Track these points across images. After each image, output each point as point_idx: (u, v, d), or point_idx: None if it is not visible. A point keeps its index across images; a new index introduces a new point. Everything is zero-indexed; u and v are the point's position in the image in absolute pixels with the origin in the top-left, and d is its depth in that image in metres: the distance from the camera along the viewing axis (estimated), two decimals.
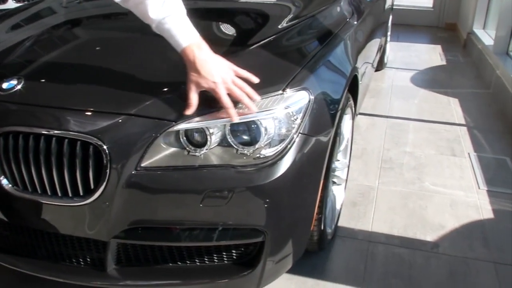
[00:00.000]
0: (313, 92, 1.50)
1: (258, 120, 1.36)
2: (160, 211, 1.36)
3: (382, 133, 3.15)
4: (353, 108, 2.13)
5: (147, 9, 1.30)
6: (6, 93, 1.42)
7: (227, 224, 1.38)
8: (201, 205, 1.33)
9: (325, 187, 1.66)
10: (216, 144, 1.37)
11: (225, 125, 1.36)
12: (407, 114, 3.49)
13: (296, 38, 1.82)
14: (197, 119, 1.34)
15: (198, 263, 1.46)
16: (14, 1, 3.59)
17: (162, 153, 1.35)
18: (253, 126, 1.37)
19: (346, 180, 2.27)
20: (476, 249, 2.01)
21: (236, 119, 1.33)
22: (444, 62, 4.86)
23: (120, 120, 1.33)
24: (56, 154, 1.33)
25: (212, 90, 1.33)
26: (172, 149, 1.36)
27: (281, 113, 1.39)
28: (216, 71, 1.32)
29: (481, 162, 2.75)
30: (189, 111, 1.32)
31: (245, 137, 1.37)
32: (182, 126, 1.33)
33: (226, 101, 1.32)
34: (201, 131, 1.35)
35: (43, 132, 1.33)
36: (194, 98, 1.33)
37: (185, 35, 1.32)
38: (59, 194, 1.36)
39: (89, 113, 1.36)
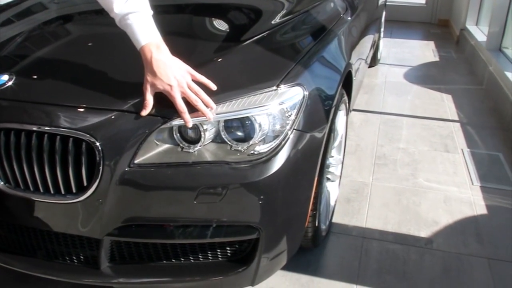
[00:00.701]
0: (307, 88, 1.49)
1: (252, 116, 1.35)
2: (153, 208, 1.35)
3: (376, 129, 3.16)
4: (347, 104, 2.13)
5: (112, 2, 1.31)
6: None
7: (221, 221, 1.37)
8: (195, 202, 1.32)
9: (320, 184, 1.65)
10: (210, 141, 1.36)
11: (219, 121, 1.35)
12: (401, 110, 3.49)
13: (290, 34, 1.81)
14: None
15: (192, 261, 1.45)
16: None
17: (156, 149, 1.34)
18: (247, 122, 1.36)
19: (340, 176, 2.27)
20: (469, 245, 2.02)
21: (190, 124, 1.31)
22: (437, 58, 4.87)
23: (113, 117, 1.32)
24: (48, 151, 1.31)
25: (167, 93, 1.32)
26: (166, 146, 1.35)
27: (275, 109, 1.38)
28: (172, 73, 1.31)
29: (474, 158, 2.76)
30: (144, 112, 1.31)
31: (239, 133, 1.36)
32: (175, 122, 1.33)
33: (180, 104, 1.31)
34: (195, 128, 1.34)
35: (35, 128, 1.32)
36: (149, 99, 1.32)
37: (145, 33, 1.32)
38: (52, 192, 1.35)
39: (82, 110, 1.35)
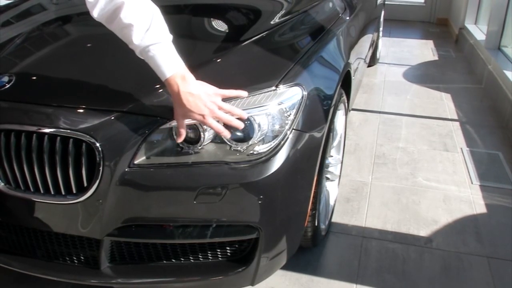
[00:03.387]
0: (306, 88, 1.49)
1: (251, 116, 1.36)
2: (153, 208, 1.36)
3: (375, 129, 3.16)
4: (346, 104, 2.13)
5: (131, 35, 1.24)
6: None
7: (221, 221, 1.38)
8: (194, 202, 1.33)
9: (319, 183, 1.66)
10: (210, 141, 1.36)
11: (217, 121, 1.35)
12: (400, 110, 3.50)
13: (288, 34, 1.81)
14: None
15: (192, 261, 1.46)
16: None
17: (155, 150, 1.34)
18: (246, 122, 1.36)
19: (340, 176, 2.28)
20: (469, 244, 2.02)
21: (228, 135, 1.32)
22: (436, 57, 4.88)
23: (113, 117, 1.33)
24: (49, 152, 1.31)
25: (201, 121, 1.30)
26: (165, 146, 1.35)
27: (274, 109, 1.39)
28: (202, 102, 1.28)
29: (473, 157, 2.76)
30: (179, 140, 1.31)
31: (238, 133, 1.36)
32: (174, 123, 1.32)
33: (217, 127, 1.30)
34: (194, 128, 1.34)
35: (35, 130, 1.32)
36: (183, 128, 1.30)
37: (169, 64, 1.25)
38: (52, 192, 1.35)
39: (82, 111, 1.35)
